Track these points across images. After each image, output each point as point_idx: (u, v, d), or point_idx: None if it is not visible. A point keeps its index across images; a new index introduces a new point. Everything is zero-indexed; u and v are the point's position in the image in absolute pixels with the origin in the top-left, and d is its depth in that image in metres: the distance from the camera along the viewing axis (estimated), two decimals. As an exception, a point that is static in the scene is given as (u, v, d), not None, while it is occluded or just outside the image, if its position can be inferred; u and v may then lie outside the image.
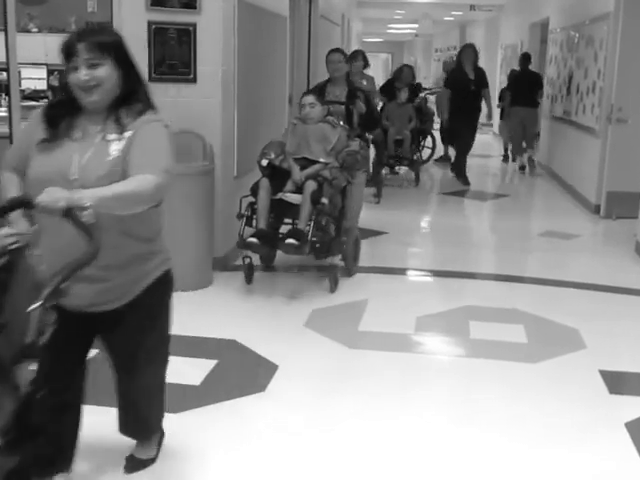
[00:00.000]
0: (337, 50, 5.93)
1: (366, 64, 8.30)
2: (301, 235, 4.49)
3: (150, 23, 4.75)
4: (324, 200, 4.59)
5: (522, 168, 10.69)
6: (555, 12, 10.76)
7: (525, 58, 10.84)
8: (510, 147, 11.42)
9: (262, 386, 3.38)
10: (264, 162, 4.83)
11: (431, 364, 3.79)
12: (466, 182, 9.28)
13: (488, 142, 14.35)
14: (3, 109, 5.49)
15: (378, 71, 33.34)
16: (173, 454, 2.81)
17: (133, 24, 4.69)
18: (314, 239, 4.58)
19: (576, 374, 3.66)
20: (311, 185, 4.56)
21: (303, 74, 8.46)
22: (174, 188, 2.23)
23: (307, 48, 8.65)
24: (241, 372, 3.58)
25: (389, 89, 9.39)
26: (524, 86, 10.52)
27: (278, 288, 4.89)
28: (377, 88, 8.94)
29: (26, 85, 8.10)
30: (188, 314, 4.26)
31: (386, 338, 4.07)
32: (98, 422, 2.71)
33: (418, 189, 9.04)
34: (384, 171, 9.03)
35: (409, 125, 9.00)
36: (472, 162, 12.08)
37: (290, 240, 4.48)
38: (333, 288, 4.79)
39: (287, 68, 7.09)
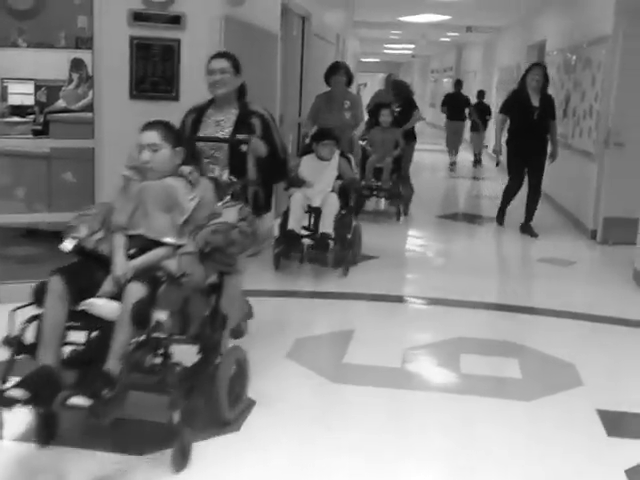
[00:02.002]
0: (222, 55, 3.87)
1: (350, 80, 6.67)
2: (101, 386, 2.50)
3: (132, 38, 4.59)
4: (159, 316, 2.66)
5: (452, 164, 13.57)
6: (552, 34, 10.67)
7: (458, 83, 14.31)
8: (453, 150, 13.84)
9: (237, 425, 3.16)
10: (68, 245, 2.93)
11: (417, 401, 3.55)
12: (533, 234, 7.61)
13: (487, 165, 14.22)
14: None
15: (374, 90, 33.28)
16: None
17: (114, 39, 4.54)
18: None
19: (572, 414, 3.45)
20: (135, 291, 2.65)
21: (295, 93, 8.29)
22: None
23: (300, 67, 8.48)
24: (214, 408, 3.34)
25: (377, 112, 8.12)
26: (456, 105, 13.59)
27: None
28: (365, 110, 7.57)
29: (13, 100, 7.94)
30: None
31: (371, 372, 3.85)
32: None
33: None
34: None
35: (394, 152, 7.89)
36: (465, 184, 12.01)
37: (75, 399, 2.45)
38: (179, 467, 2.75)
39: (278, 87, 6.91)
